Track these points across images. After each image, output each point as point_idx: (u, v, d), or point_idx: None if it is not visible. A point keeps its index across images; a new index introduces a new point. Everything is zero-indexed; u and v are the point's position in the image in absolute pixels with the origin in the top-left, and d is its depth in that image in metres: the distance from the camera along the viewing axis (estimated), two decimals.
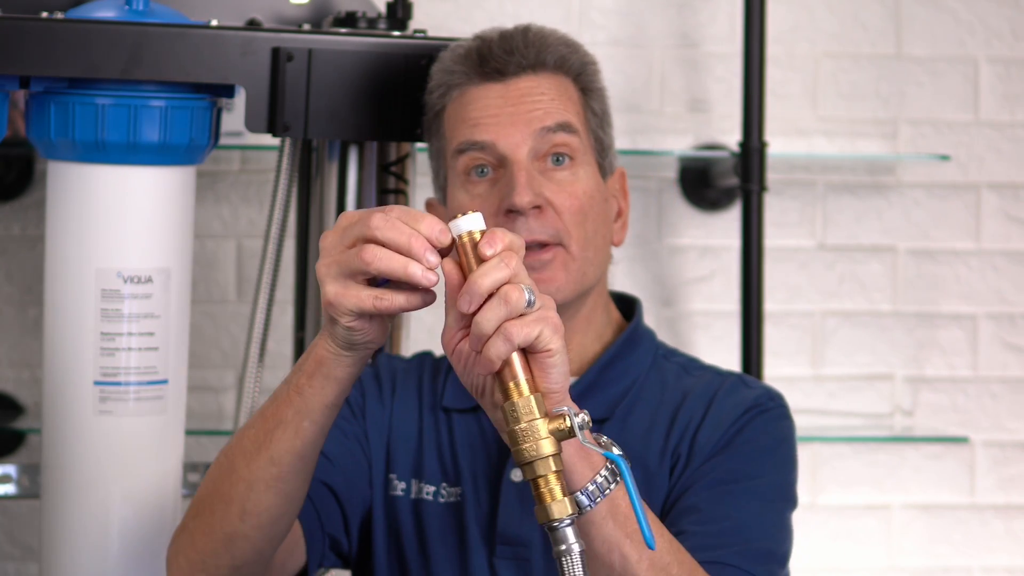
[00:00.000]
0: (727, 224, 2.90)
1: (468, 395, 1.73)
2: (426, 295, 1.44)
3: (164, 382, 1.92)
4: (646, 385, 1.82)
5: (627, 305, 1.91)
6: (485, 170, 1.77)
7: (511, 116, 1.76)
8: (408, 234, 1.39)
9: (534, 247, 1.74)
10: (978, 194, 2.97)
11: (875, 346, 2.95)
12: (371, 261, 1.39)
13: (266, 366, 2.08)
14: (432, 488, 1.82)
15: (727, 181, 2.84)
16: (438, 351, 1.82)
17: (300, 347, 2.22)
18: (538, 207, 1.75)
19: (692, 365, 1.88)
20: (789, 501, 1.78)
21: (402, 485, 1.83)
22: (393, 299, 1.43)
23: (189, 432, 2.21)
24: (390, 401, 1.87)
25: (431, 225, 1.40)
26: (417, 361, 1.93)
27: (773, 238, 2.87)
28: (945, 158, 2.91)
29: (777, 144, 2.84)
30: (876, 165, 2.95)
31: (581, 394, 1.77)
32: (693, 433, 1.76)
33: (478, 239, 1.40)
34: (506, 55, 1.78)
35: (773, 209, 2.88)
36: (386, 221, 1.39)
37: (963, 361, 2.98)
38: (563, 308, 1.68)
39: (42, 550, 1.96)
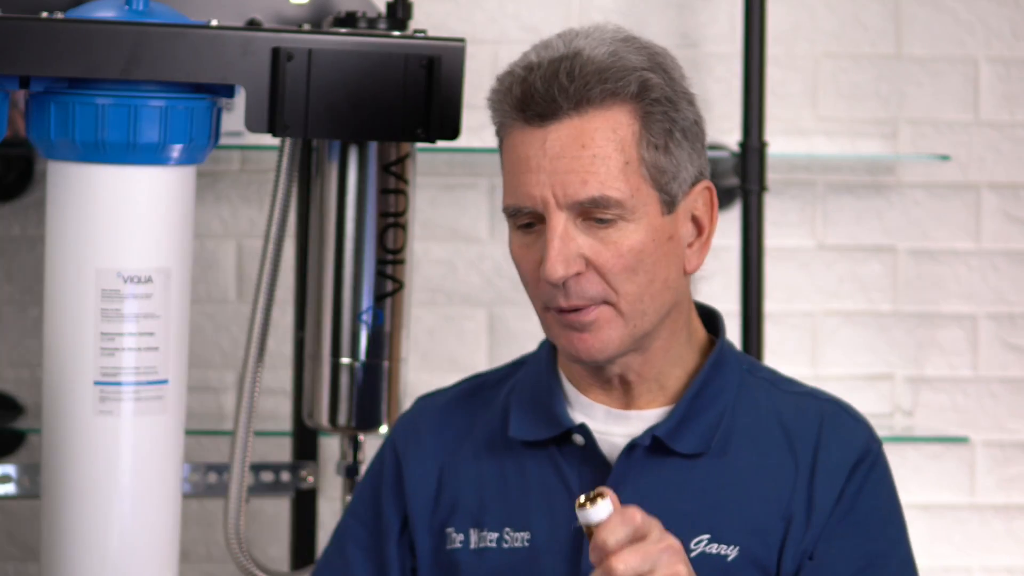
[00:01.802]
0: (727, 224, 2.90)
1: (539, 425, 1.71)
2: None
3: (164, 382, 1.92)
4: (738, 408, 1.72)
5: (708, 318, 1.79)
6: (531, 224, 1.65)
7: (549, 176, 1.63)
8: None
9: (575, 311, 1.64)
10: (978, 194, 2.97)
11: (875, 346, 2.95)
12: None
13: (266, 366, 2.08)
14: (495, 535, 1.71)
15: (727, 181, 2.84)
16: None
17: (300, 347, 2.22)
18: (577, 272, 1.63)
19: (779, 379, 1.78)
20: (916, 570, 1.75)
21: (460, 537, 1.73)
22: None
23: (189, 432, 2.20)
24: (421, 457, 1.77)
25: None
26: (464, 392, 1.83)
27: (773, 238, 2.87)
28: (945, 158, 2.91)
29: (777, 144, 2.84)
30: (876, 165, 2.95)
31: (674, 430, 1.68)
32: (808, 478, 1.69)
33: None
34: (547, 93, 1.63)
35: (773, 209, 2.88)
36: None
37: (963, 361, 2.98)
38: (616, 356, 1.66)
39: (42, 550, 1.96)
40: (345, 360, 2.10)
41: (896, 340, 2.96)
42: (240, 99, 1.94)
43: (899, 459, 2.96)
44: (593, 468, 1.69)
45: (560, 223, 1.62)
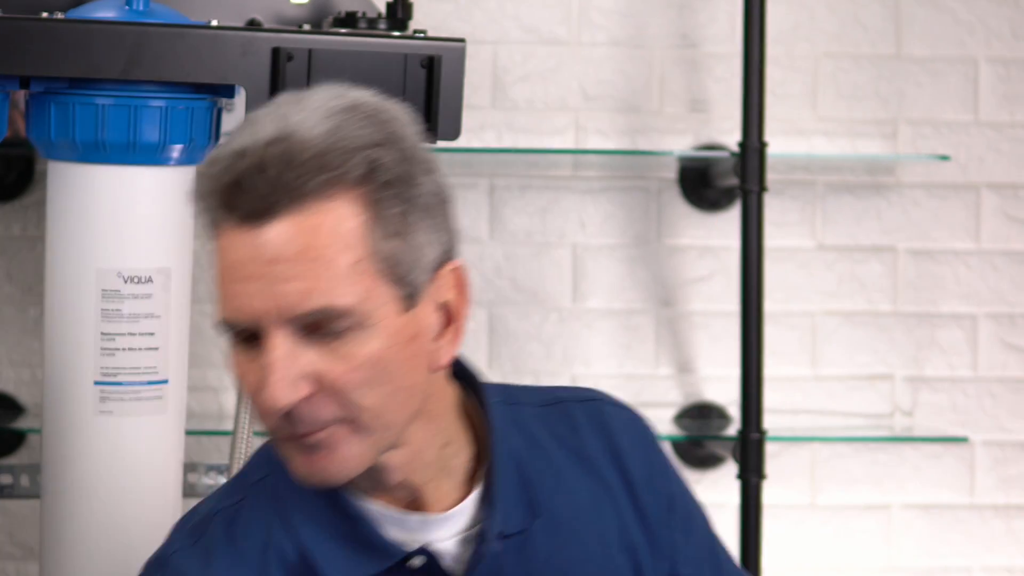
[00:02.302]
0: (727, 224, 2.90)
1: (360, 557, 1.47)
2: None
3: (164, 382, 1.92)
4: (531, 457, 1.54)
5: (455, 367, 1.54)
6: (249, 337, 1.40)
7: (265, 286, 1.37)
8: None
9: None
10: (978, 194, 2.97)
11: (875, 346, 2.95)
12: None
13: None
14: None
15: (727, 181, 2.84)
16: None
17: None
18: (306, 394, 1.38)
19: (528, 396, 1.60)
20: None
21: None
22: None
23: (189, 432, 2.20)
24: None
25: None
26: (222, 537, 1.50)
27: (773, 238, 2.87)
28: (945, 158, 2.91)
29: (777, 144, 2.84)
30: (876, 165, 2.95)
31: (504, 517, 1.49)
32: (629, 497, 1.57)
33: None
34: (256, 188, 1.36)
35: (773, 209, 2.88)
36: None
37: (963, 361, 2.97)
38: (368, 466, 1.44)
39: (42, 550, 1.96)
40: None
41: (896, 340, 2.96)
42: (240, 99, 1.94)
43: (899, 459, 2.96)
44: None
45: (280, 342, 1.36)
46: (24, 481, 2.55)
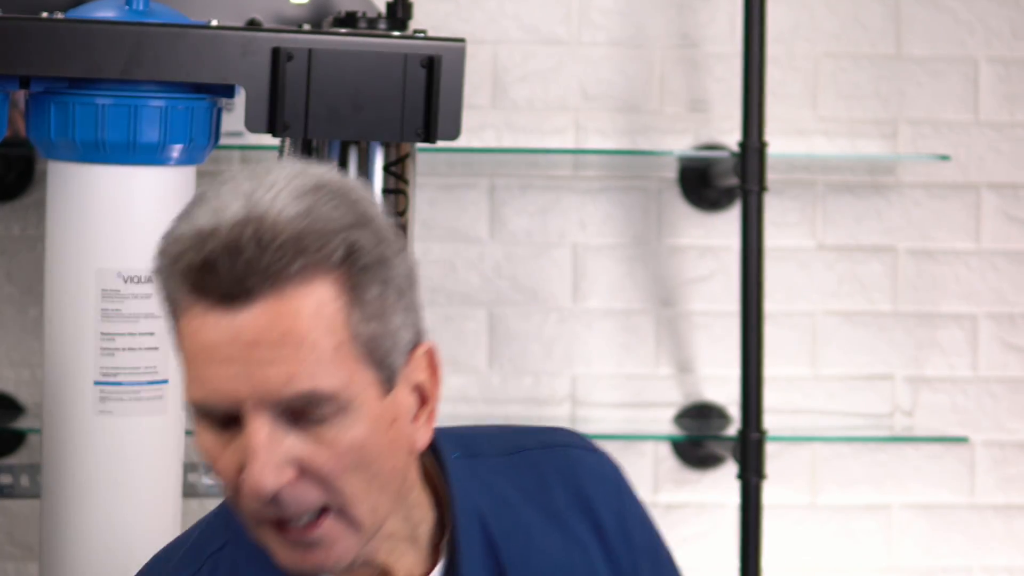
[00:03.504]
0: (727, 224, 2.90)
1: None
2: None
3: (164, 382, 1.92)
4: (497, 519, 1.51)
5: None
6: (225, 419, 1.36)
7: (244, 368, 1.32)
8: None
9: (294, 521, 1.36)
10: (978, 194, 2.97)
11: (875, 346, 2.95)
12: None
13: None
14: None
15: (727, 181, 2.84)
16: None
17: None
18: (289, 480, 1.34)
19: (489, 446, 1.57)
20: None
21: None
22: None
23: (189, 432, 2.20)
24: None
25: None
26: None
27: (773, 238, 2.87)
28: (945, 158, 2.91)
29: (777, 144, 2.84)
30: (876, 165, 2.95)
31: None
32: (601, 548, 1.54)
33: None
34: (232, 271, 1.31)
35: (773, 209, 2.88)
36: None
37: (963, 361, 2.98)
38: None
39: (42, 550, 1.96)
40: None
41: (896, 340, 2.96)
42: (240, 99, 1.94)
43: (899, 459, 2.97)
44: None
45: (262, 425, 1.32)
46: (24, 481, 2.55)
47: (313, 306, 1.33)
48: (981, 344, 2.98)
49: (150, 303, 1.91)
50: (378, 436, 1.37)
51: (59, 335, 1.92)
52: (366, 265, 1.35)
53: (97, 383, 1.90)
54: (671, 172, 2.90)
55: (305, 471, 1.34)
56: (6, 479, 2.55)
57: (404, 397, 1.40)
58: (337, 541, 1.37)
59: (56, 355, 1.92)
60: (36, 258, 2.78)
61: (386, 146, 2.08)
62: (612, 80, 2.89)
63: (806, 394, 2.94)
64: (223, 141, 2.05)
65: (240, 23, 2.13)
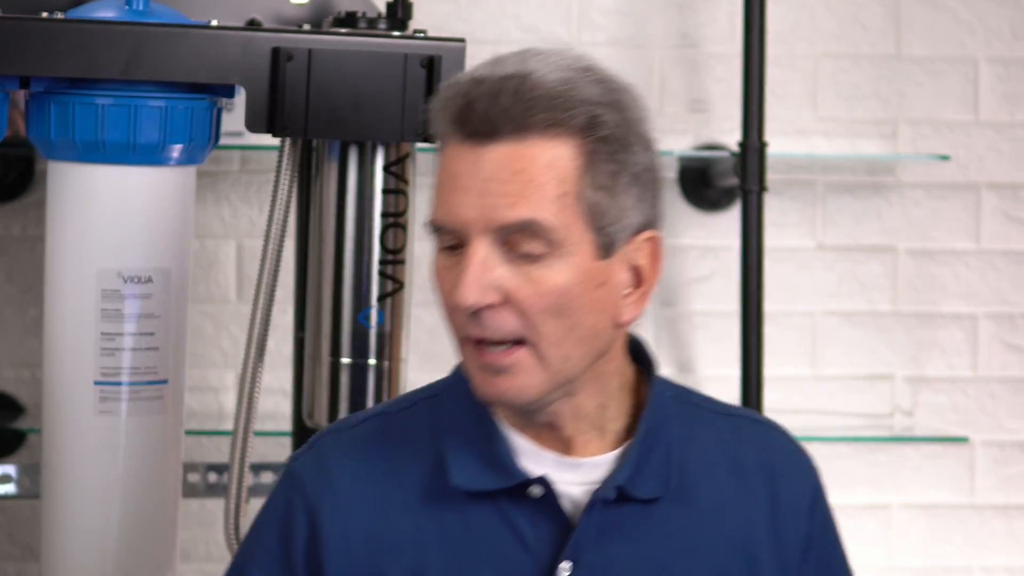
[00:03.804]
0: (727, 224, 2.90)
1: (486, 473, 1.56)
2: None
3: (164, 382, 1.92)
4: (683, 444, 1.61)
5: (633, 347, 1.64)
6: (456, 245, 1.53)
7: (477, 198, 1.50)
8: None
9: (492, 347, 1.51)
10: (978, 194, 2.97)
11: (875, 346, 2.95)
12: None
13: (266, 366, 2.08)
14: None
15: (727, 181, 2.84)
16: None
17: (300, 347, 2.22)
18: (490, 305, 1.49)
19: (704, 401, 1.69)
20: None
21: None
22: None
23: (189, 432, 2.20)
24: (342, 512, 1.57)
25: None
26: (374, 431, 1.63)
27: (773, 238, 2.87)
28: (945, 158, 2.91)
29: (777, 144, 2.84)
30: (876, 165, 2.95)
31: (632, 477, 1.56)
32: (770, 515, 1.62)
33: None
34: (486, 113, 1.50)
35: (773, 209, 2.88)
36: None
37: (963, 361, 2.98)
38: (546, 400, 1.54)
39: (42, 550, 1.96)
40: (345, 360, 2.10)
41: (896, 340, 2.96)
42: (240, 99, 1.95)
43: (899, 459, 2.97)
44: (551, 522, 1.56)
45: (481, 249, 1.49)
46: (24, 481, 2.55)
47: (549, 158, 1.49)
48: (981, 344, 2.98)
49: (150, 303, 1.91)
50: (583, 290, 1.50)
51: (59, 335, 1.92)
52: (604, 138, 1.50)
53: (97, 383, 1.90)
54: (671, 172, 2.90)
55: (509, 300, 1.49)
56: (6, 479, 2.56)
57: (619, 270, 1.53)
58: (524, 372, 1.51)
59: (56, 355, 1.92)
60: (36, 258, 2.78)
61: (386, 146, 2.08)
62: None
63: (806, 394, 2.94)
64: (223, 141, 2.05)
65: (240, 23, 2.13)
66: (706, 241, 2.91)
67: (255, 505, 2.81)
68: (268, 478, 2.61)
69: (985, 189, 2.97)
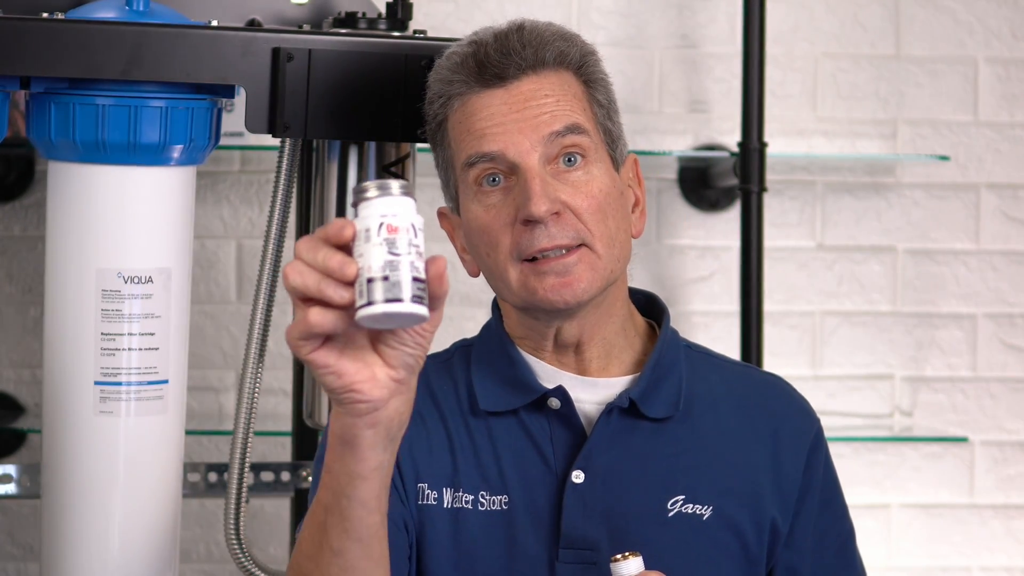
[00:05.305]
0: (727, 224, 2.90)
1: (508, 394, 1.76)
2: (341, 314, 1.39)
3: (164, 382, 1.92)
4: (691, 378, 1.79)
5: (647, 302, 1.86)
6: (497, 179, 1.72)
7: (517, 123, 1.71)
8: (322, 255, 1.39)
9: (558, 252, 1.70)
10: (977, 194, 2.97)
11: (874, 346, 2.96)
12: (287, 276, 1.39)
13: (266, 366, 2.08)
14: (470, 497, 1.74)
15: (726, 181, 2.84)
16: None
17: None
18: (556, 213, 1.70)
19: (714, 354, 1.87)
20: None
21: (433, 495, 1.75)
22: (309, 314, 1.39)
23: (189, 432, 2.20)
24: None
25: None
26: (444, 361, 1.85)
27: (772, 238, 2.87)
28: (944, 158, 2.91)
29: (776, 144, 2.84)
30: (875, 165, 2.95)
31: (644, 395, 1.74)
32: (771, 448, 1.78)
33: None
34: (503, 58, 1.72)
35: (772, 209, 2.88)
36: (305, 244, 1.40)
37: (962, 361, 2.98)
38: (586, 304, 1.72)
39: (42, 550, 1.96)
40: None
41: (895, 340, 2.96)
42: (240, 99, 1.94)
43: (898, 459, 2.97)
44: (567, 431, 1.74)
45: (535, 166, 1.70)
46: (24, 481, 2.55)
47: (563, 82, 1.74)
48: (981, 344, 2.98)
49: (150, 303, 1.91)
50: (614, 196, 1.74)
51: (59, 335, 1.92)
52: (597, 78, 1.77)
53: (97, 383, 1.90)
54: (671, 172, 2.91)
55: (566, 207, 1.70)
56: (6, 479, 2.56)
57: (624, 185, 1.78)
58: (587, 268, 1.70)
59: (56, 355, 1.92)
60: (36, 258, 2.78)
61: (386, 146, 2.08)
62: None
63: (805, 394, 2.93)
64: (223, 141, 2.05)
65: (240, 23, 2.13)
66: (706, 241, 2.91)
67: (255, 505, 2.82)
68: (268, 478, 2.61)
69: (984, 189, 2.97)
